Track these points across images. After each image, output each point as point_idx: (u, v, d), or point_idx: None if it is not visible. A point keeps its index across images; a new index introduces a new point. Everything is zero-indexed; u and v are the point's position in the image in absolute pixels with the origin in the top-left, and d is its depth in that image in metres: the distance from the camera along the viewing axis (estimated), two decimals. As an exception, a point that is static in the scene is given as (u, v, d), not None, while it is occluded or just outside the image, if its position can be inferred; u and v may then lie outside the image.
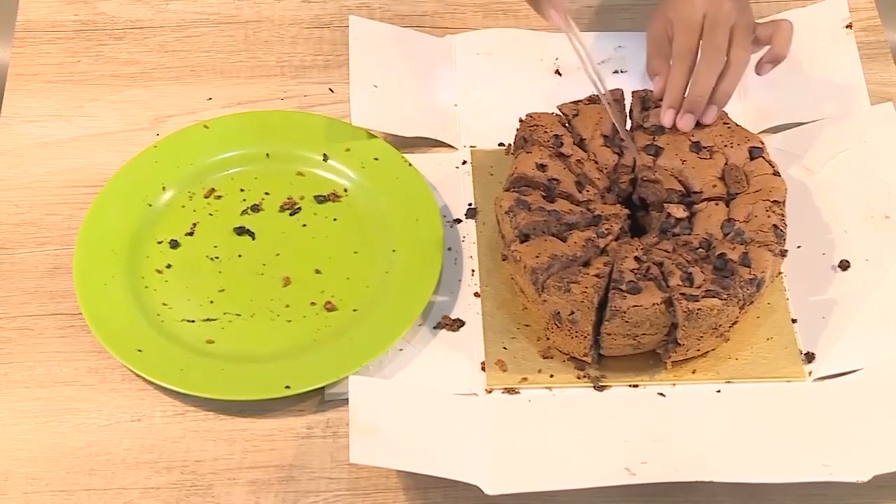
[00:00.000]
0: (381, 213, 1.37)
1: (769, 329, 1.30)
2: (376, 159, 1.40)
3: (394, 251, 1.34)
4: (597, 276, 1.23)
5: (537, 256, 1.24)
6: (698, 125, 1.34)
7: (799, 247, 1.34)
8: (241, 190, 1.40)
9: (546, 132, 1.33)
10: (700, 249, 1.26)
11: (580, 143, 1.34)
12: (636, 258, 1.25)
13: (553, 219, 1.27)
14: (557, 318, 1.24)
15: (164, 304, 1.31)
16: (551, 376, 1.27)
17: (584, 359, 1.27)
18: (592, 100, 1.36)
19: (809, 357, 1.28)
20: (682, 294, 1.22)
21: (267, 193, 1.39)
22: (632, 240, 1.28)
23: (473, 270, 1.34)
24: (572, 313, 1.23)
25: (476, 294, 1.32)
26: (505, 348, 1.29)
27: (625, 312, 1.22)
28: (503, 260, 1.33)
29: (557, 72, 1.48)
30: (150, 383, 1.26)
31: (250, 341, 1.29)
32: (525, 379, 1.27)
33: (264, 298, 1.32)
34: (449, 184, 1.40)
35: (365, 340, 1.27)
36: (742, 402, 1.25)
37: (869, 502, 1.21)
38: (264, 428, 1.25)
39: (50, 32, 1.52)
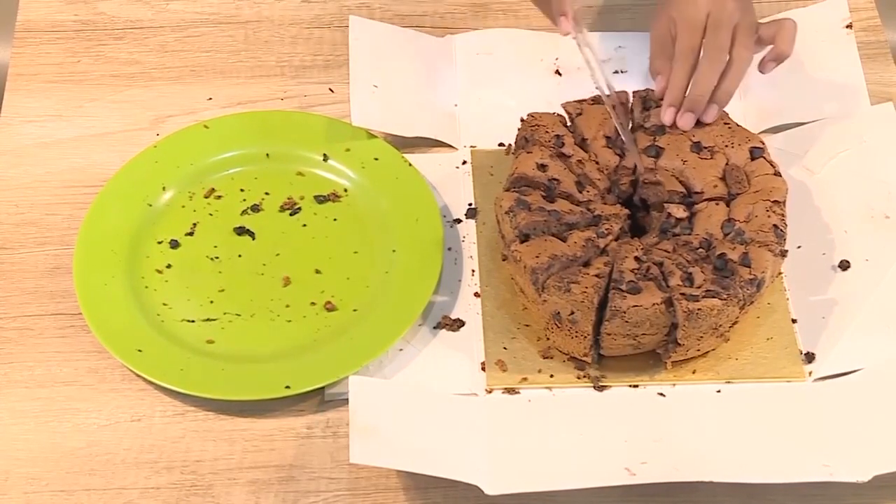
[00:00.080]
0: (381, 213, 1.37)
1: (769, 329, 1.30)
2: (376, 159, 1.40)
3: (394, 251, 1.34)
4: (597, 276, 1.23)
5: (537, 256, 1.24)
6: (699, 124, 1.34)
7: (799, 247, 1.34)
8: (242, 190, 1.40)
9: (547, 132, 1.33)
10: (700, 249, 1.26)
11: (581, 144, 1.34)
12: (636, 258, 1.25)
13: (553, 219, 1.27)
14: (557, 318, 1.24)
15: (165, 304, 1.31)
16: (551, 376, 1.27)
17: (584, 359, 1.27)
18: (596, 100, 1.36)
19: (809, 357, 1.28)
20: (683, 294, 1.22)
21: (267, 193, 1.39)
22: (632, 240, 1.28)
23: (473, 270, 1.34)
24: (572, 313, 1.23)
25: (476, 294, 1.32)
26: (505, 348, 1.29)
27: (625, 312, 1.22)
28: (503, 260, 1.33)
29: (557, 72, 1.48)
30: (150, 383, 1.26)
31: (250, 341, 1.29)
32: (525, 379, 1.27)
33: (264, 298, 1.32)
34: (449, 184, 1.40)
35: (365, 340, 1.27)
36: (742, 402, 1.25)
37: (869, 502, 1.21)
38: (264, 428, 1.25)
39: (50, 32, 1.52)
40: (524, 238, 1.26)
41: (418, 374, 1.27)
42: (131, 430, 1.24)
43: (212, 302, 1.31)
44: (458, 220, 1.38)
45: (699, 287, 1.22)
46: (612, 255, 1.26)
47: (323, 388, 1.26)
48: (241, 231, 1.36)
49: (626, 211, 1.30)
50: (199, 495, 1.21)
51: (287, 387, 1.24)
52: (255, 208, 1.38)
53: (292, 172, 1.41)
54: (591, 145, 1.33)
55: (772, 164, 1.31)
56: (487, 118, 1.45)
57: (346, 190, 1.40)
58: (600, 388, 1.26)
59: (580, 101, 1.36)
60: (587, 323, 1.23)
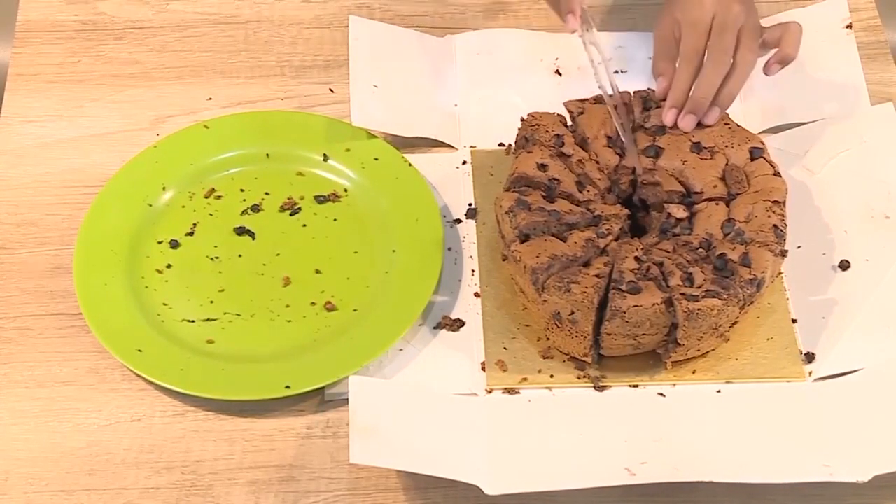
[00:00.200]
0: (381, 213, 1.37)
1: (769, 329, 1.30)
2: (376, 159, 1.40)
3: (394, 251, 1.34)
4: (597, 276, 1.23)
5: (537, 256, 1.24)
6: (699, 125, 1.34)
7: (799, 247, 1.34)
8: (242, 190, 1.40)
9: (547, 132, 1.33)
10: (700, 249, 1.26)
11: (582, 143, 1.34)
12: (636, 258, 1.25)
13: (553, 219, 1.27)
14: (557, 318, 1.24)
15: (165, 304, 1.31)
16: (551, 376, 1.27)
17: (584, 359, 1.27)
18: (598, 99, 1.36)
19: (809, 357, 1.28)
20: (683, 294, 1.22)
21: (267, 193, 1.39)
22: (632, 240, 1.28)
23: (473, 270, 1.34)
24: (572, 313, 1.23)
25: (476, 294, 1.32)
26: (505, 348, 1.29)
27: (625, 312, 1.22)
28: (503, 260, 1.33)
29: (557, 72, 1.48)
30: (150, 383, 1.26)
31: (250, 341, 1.29)
32: (525, 379, 1.27)
33: (264, 298, 1.32)
34: (449, 184, 1.40)
35: (365, 340, 1.27)
36: (742, 403, 1.25)
37: (869, 502, 1.21)
38: (264, 428, 1.25)
39: (50, 32, 1.52)
40: (524, 238, 1.26)
41: (418, 374, 1.27)
42: (131, 430, 1.24)
43: (212, 302, 1.31)
44: (458, 220, 1.38)
45: (699, 287, 1.22)
46: (613, 255, 1.26)
47: (323, 388, 1.26)
48: (241, 231, 1.36)
49: (627, 211, 1.30)
50: (199, 495, 1.21)
51: (287, 387, 1.24)
52: (255, 208, 1.38)
53: (292, 172, 1.41)
54: (592, 144, 1.33)
55: (771, 164, 1.31)
56: (487, 118, 1.45)
57: (346, 190, 1.40)
58: (600, 389, 1.26)
59: (582, 101, 1.36)
60: (587, 323, 1.23)
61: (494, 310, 1.31)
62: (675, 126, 1.34)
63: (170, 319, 1.30)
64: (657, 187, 1.30)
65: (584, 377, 1.27)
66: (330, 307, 1.31)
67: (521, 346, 1.29)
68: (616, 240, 1.27)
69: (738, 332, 1.28)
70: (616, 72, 1.47)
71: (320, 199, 1.39)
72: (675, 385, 1.27)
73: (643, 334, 1.24)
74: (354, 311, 1.31)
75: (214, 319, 1.30)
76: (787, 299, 1.32)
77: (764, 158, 1.32)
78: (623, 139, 1.33)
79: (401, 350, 1.29)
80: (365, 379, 1.23)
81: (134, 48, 1.51)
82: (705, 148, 1.33)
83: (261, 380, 1.25)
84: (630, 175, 1.32)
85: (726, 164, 1.32)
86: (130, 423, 1.25)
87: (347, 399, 1.21)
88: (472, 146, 1.43)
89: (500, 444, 1.21)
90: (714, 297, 1.21)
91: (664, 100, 1.35)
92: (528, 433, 1.23)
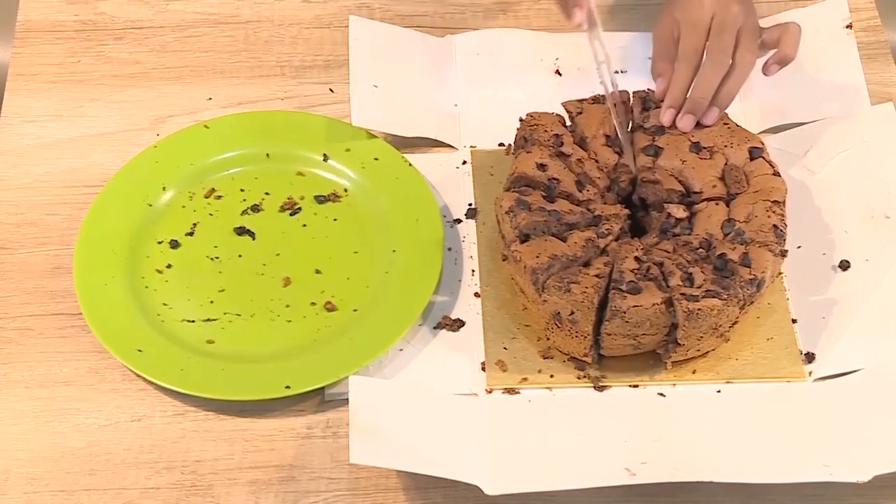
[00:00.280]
0: (381, 213, 1.37)
1: (769, 329, 1.30)
2: (376, 159, 1.40)
3: (394, 251, 1.34)
4: (597, 276, 1.23)
5: (537, 256, 1.24)
6: (698, 125, 1.34)
7: (799, 247, 1.34)
8: (242, 190, 1.40)
9: (546, 131, 1.33)
10: (700, 249, 1.26)
11: (581, 142, 1.34)
12: (636, 258, 1.25)
13: (553, 219, 1.27)
14: (557, 318, 1.24)
15: (165, 304, 1.31)
16: (551, 376, 1.27)
17: (585, 359, 1.27)
18: (597, 99, 1.36)
19: (809, 357, 1.28)
20: (683, 294, 1.22)
21: (267, 193, 1.39)
22: (632, 240, 1.28)
23: (473, 270, 1.34)
24: (572, 313, 1.23)
25: (476, 294, 1.32)
26: (505, 348, 1.29)
27: (625, 312, 1.22)
28: (503, 260, 1.33)
29: (557, 72, 1.48)
30: (150, 383, 1.26)
31: (250, 341, 1.29)
32: (525, 379, 1.27)
33: (264, 298, 1.32)
34: (449, 184, 1.40)
35: (365, 340, 1.27)
36: (742, 403, 1.25)
37: (869, 502, 1.21)
38: (264, 428, 1.25)
39: (50, 32, 1.52)
40: (524, 238, 1.26)
41: (418, 374, 1.27)
42: (131, 430, 1.24)
43: (212, 302, 1.31)
44: (458, 220, 1.38)
45: (699, 287, 1.22)
46: (613, 255, 1.26)
47: (323, 388, 1.26)
48: (241, 231, 1.36)
49: (627, 211, 1.30)
50: (199, 495, 1.21)
51: (287, 387, 1.24)
52: (256, 208, 1.38)
53: (292, 172, 1.41)
54: (591, 144, 1.33)
55: (771, 164, 1.31)
56: (487, 118, 1.45)
57: (346, 190, 1.40)
58: (600, 389, 1.26)
59: (580, 101, 1.36)
60: (587, 323, 1.23)
61: (494, 310, 1.31)
62: (673, 126, 1.34)
63: (170, 319, 1.30)
64: (657, 186, 1.30)
65: (584, 377, 1.27)
66: (330, 307, 1.31)
67: (521, 346, 1.29)
68: (616, 240, 1.27)
69: (738, 332, 1.28)
70: (616, 72, 1.47)
71: (320, 199, 1.39)
72: (675, 385, 1.27)
73: (643, 334, 1.24)
74: (354, 311, 1.31)
75: (214, 319, 1.30)
76: (787, 299, 1.32)
77: (763, 158, 1.32)
78: (621, 139, 1.33)
79: (401, 350, 1.29)
80: (365, 379, 1.23)
81: (134, 48, 1.51)
82: (704, 148, 1.33)
83: (261, 380, 1.25)
84: (630, 173, 1.32)
85: (725, 164, 1.32)
86: (130, 423, 1.25)
87: (347, 399, 1.21)
88: (472, 146, 1.43)
89: (500, 444, 1.21)
90: (714, 297, 1.21)
91: (663, 100, 1.35)
92: (528, 433, 1.23)
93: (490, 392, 1.26)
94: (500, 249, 1.32)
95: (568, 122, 1.35)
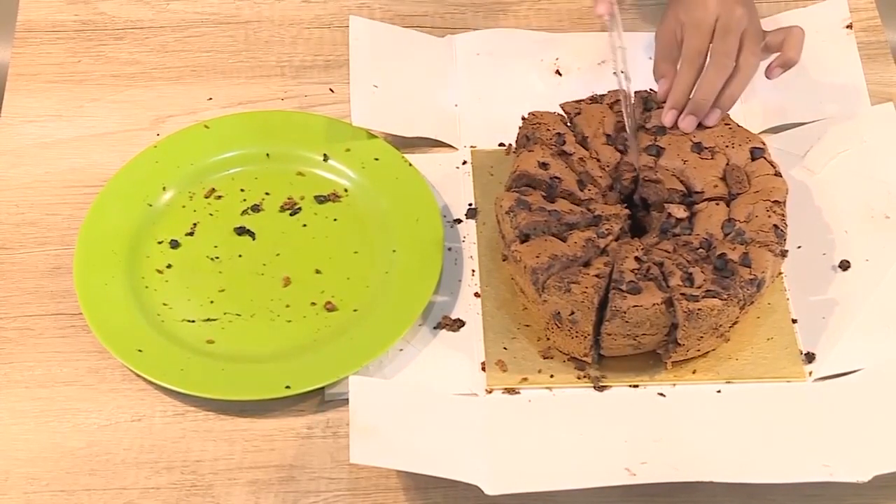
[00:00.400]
0: (381, 213, 1.37)
1: (769, 329, 1.30)
2: (376, 159, 1.40)
3: (394, 251, 1.34)
4: (597, 276, 1.23)
5: (537, 256, 1.24)
6: (700, 126, 1.34)
7: (799, 247, 1.34)
8: (242, 190, 1.40)
9: (548, 130, 1.33)
10: (700, 249, 1.26)
11: (582, 142, 1.34)
12: (636, 258, 1.25)
13: (553, 219, 1.27)
14: (557, 318, 1.24)
15: (165, 304, 1.31)
16: (551, 376, 1.27)
17: (585, 359, 1.27)
18: (595, 99, 1.36)
19: (810, 357, 1.28)
20: (683, 294, 1.22)
21: (267, 193, 1.39)
22: (632, 240, 1.28)
23: (473, 270, 1.34)
24: (572, 313, 1.23)
25: (476, 294, 1.32)
26: (505, 348, 1.29)
27: (625, 312, 1.22)
28: (503, 260, 1.33)
29: (558, 72, 1.48)
30: (150, 383, 1.26)
31: (250, 341, 1.29)
32: (525, 379, 1.27)
33: (264, 298, 1.32)
34: (449, 184, 1.40)
35: (365, 340, 1.27)
36: (742, 403, 1.25)
37: (869, 502, 1.21)
38: (264, 428, 1.25)
39: (50, 32, 1.52)
40: (524, 238, 1.26)
41: (418, 374, 1.27)
42: (131, 430, 1.24)
43: (212, 302, 1.31)
44: (458, 220, 1.38)
45: (699, 287, 1.22)
46: (613, 255, 1.26)
47: (323, 388, 1.26)
48: (241, 231, 1.36)
49: (627, 211, 1.30)
50: (199, 495, 1.21)
51: (287, 387, 1.24)
52: (256, 208, 1.38)
53: (292, 172, 1.41)
54: (592, 143, 1.33)
55: (772, 164, 1.31)
56: (487, 118, 1.45)
57: (346, 190, 1.40)
58: (600, 389, 1.26)
59: (578, 102, 1.36)
60: (587, 323, 1.23)
61: (494, 310, 1.31)
62: (674, 127, 1.34)
63: (170, 319, 1.30)
64: (658, 185, 1.30)
65: (585, 377, 1.27)
66: (330, 307, 1.31)
67: (521, 346, 1.29)
68: (616, 240, 1.27)
69: (738, 332, 1.28)
70: (621, 71, 1.47)
71: (320, 199, 1.39)
72: (675, 385, 1.27)
73: (643, 334, 1.24)
74: (354, 311, 1.31)
75: (214, 319, 1.30)
76: (788, 299, 1.32)
77: (765, 158, 1.32)
78: (627, 129, 1.32)
79: (401, 350, 1.29)
80: (365, 379, 1.23)
81: (134, 48, 1.51)
82: (706, 148, 1.33)
83: (261, 380, 1.25)
84: (632, 171, 1.32)
85: (727, 164, 1.32)
86: (130, 423, 1.25)
87: (347, 399, 1.21)
88: (472, 146, 1.43)
89: (500, 444, 1.21)
90: (714, 297, 1.21)
91: (666, 101, 1.35)
92: (528, 433, 1.23)
93: (490, 392, 1.26)
94: (500, 249, 1.32)
95: (567, 123, 1.35)
